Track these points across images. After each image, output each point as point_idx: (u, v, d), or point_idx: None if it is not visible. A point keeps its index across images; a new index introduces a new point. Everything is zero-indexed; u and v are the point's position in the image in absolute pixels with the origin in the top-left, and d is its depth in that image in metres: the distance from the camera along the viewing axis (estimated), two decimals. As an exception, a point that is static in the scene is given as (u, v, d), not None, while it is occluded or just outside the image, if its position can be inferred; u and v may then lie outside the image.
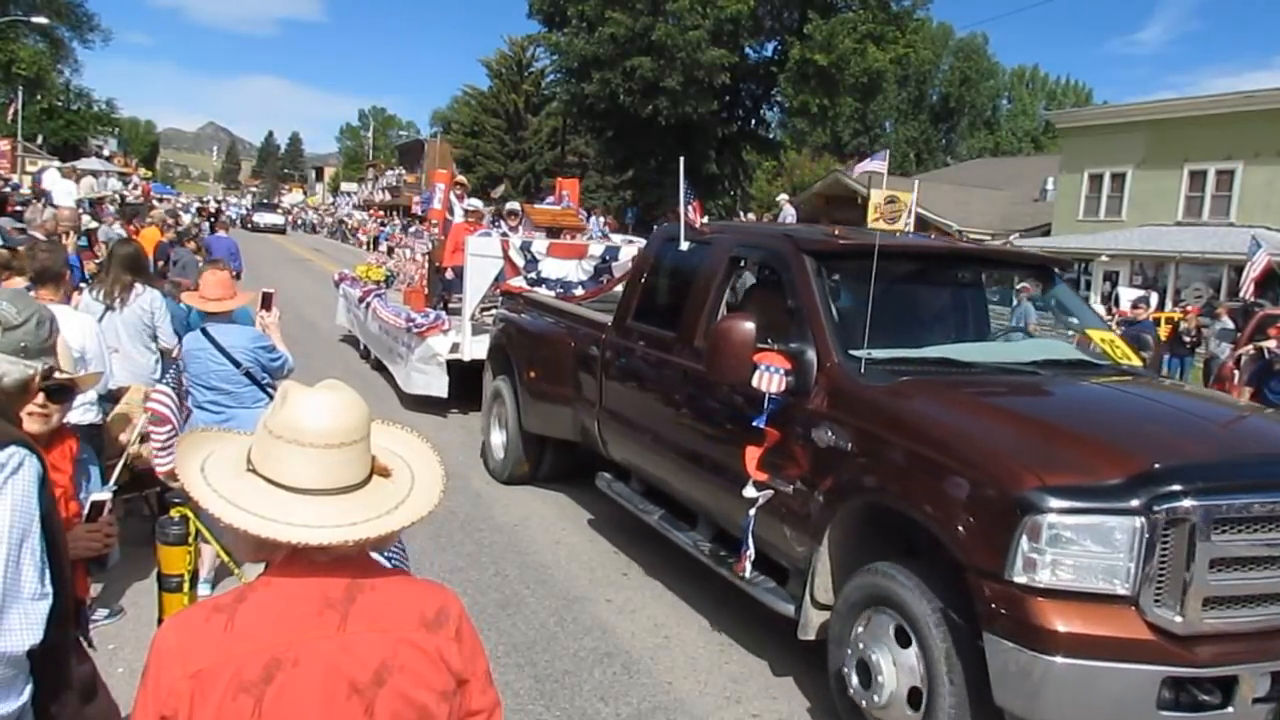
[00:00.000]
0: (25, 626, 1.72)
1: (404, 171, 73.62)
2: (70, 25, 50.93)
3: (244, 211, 54.97)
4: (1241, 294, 17.83)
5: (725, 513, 4.72)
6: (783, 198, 26.70)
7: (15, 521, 1.72)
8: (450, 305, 10.55)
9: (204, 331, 4.68)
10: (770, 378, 4.05)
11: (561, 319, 6.95)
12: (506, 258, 8.63)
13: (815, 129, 36.38)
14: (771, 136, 40.44)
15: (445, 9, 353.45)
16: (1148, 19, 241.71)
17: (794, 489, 4.08)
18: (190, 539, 2.88)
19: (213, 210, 33.80)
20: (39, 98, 48.41)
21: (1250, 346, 9.96)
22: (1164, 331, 15.14)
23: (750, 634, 4.82)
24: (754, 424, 4.14)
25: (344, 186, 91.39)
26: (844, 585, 3.87)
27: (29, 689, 1.79)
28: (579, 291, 8.42)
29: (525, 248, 8.66)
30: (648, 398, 5.60)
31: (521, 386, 6.90)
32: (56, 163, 29.13)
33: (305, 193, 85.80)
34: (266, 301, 5.01)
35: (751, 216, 28.38)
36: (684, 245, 5.53)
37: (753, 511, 4.17)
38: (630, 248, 8.68)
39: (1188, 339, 15.60)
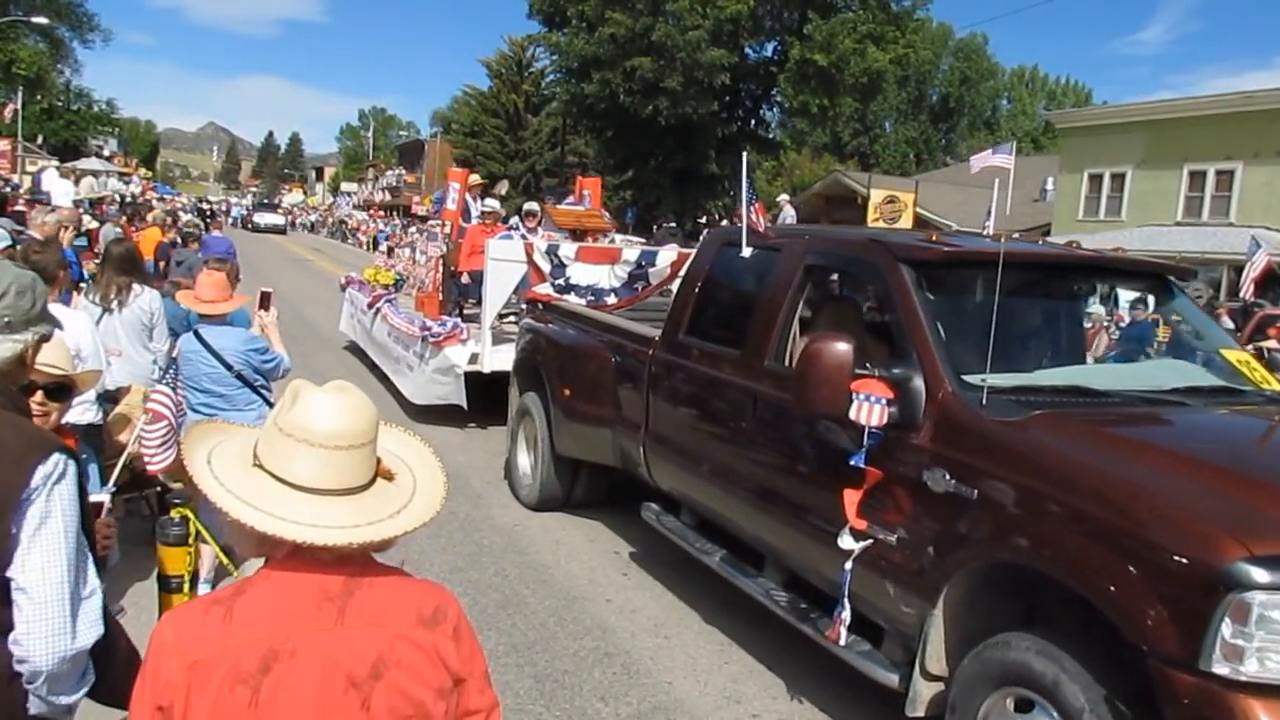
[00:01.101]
0: (90, 624, 1.80)
1: (404, 171, 73.50)
2: (70, 25, 50.72)
3: (244, 211, 55.00)
4: (1241, 294, 17.76)
5: (807, 561, 4.13)
6: (783, 198, 26.59)
7: (69, 526, 1.76)
8: (466, 312, 9.96)
9: (197, 333, 4.68)
10: (871, 409, 3.46)
11: (599, 331, 6.26)
12: (531, 262, 7.93)
13: (815, 129, 36.29)
14: (771, 136, 40.24)
15: (445, 9, 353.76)
16: (1148, 19, 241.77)
17: (899, 540, 3.48)
18: (190, 539, 2.88)
19: (208, 210, 33.92)
20: (39, 98, 48.20)
21: (1250, 347, 9.97)
22: (1164, 332, 15.10)
23: (750, 634, 4.77)
24: (851, 462, 3.52)
25: (344, 186, 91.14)
26: (964, 656, 3.26)
27: (92, 675, 1.86)
28: (611, 300, 7.72)
29: (551, 252, 7.93)
30: (706, 424, 4.97)
31: (554, 405, 6.22)
32: (56, 163, 29.09)
33: (305, 193, 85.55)
34: (265, 301, 4.99)
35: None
36: (746, 251, 4.88)
37: (849, 565, 3.55)
38: (669, 252, 8.01)
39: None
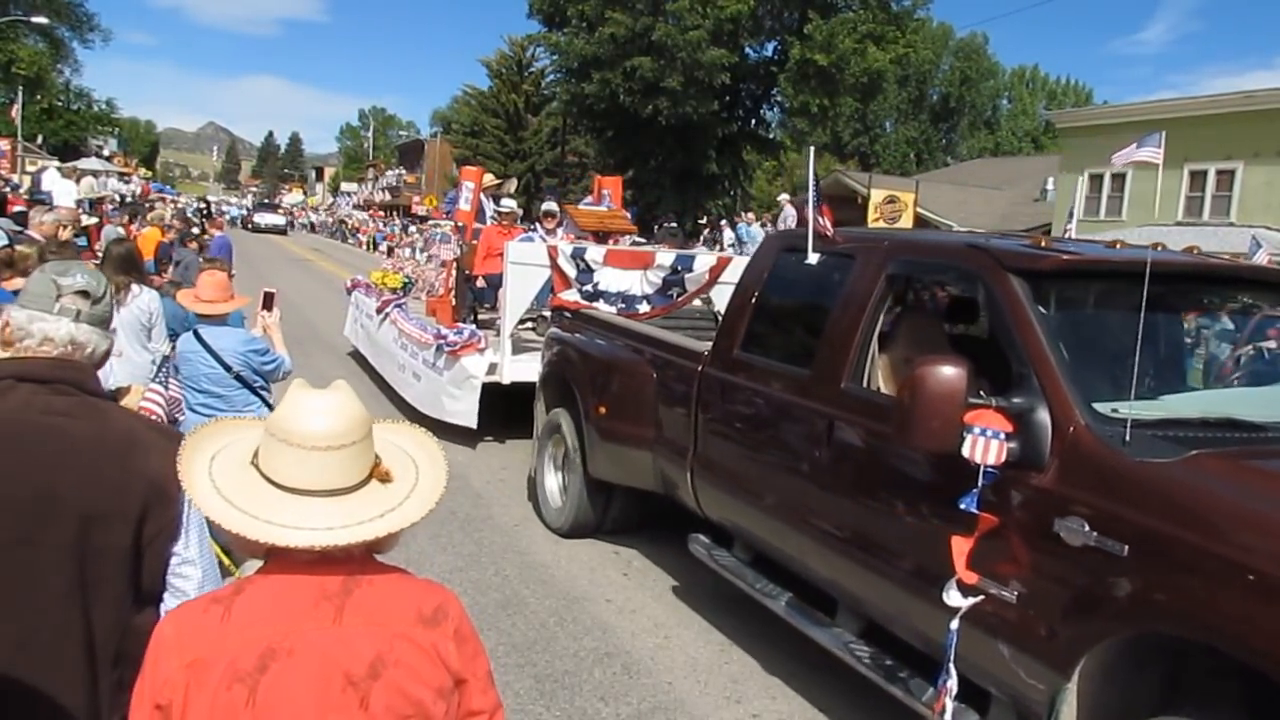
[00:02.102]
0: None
1: (404, 172, 73.45)
2: (70, 25, 50.59)
3: (244, 212, 54.97)
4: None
5: (896, 613, 3.61)
6: (783, 197, 26.55)
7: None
8: (480, 318, 9.42)
9: (196, 334, 4.66)
10: (988, 445, 2.98)
11: (637, 343, 5.73)
12: (555, 267, 7.34)
13: (815, 129, 36.12)
14: (771, 136, 40.12)
15: (445, 9, 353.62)
16: (1148, 19, 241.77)
17: (1020, 598, 2.97)
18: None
19: (206, 210, 33.78)
20: (39, 98, 48.01)
21: (1250, 347, 9.97)
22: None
23: (750, 634, 4.72)
24: (960, 505, 3.02)
25: (344, 186, 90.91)
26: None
27: None
28: (644, 308, 7.19)
29: (578, 255, 7.35)
30: (769, 451, 4.43)
31: (587, 423, 5.69)
32: (56, 163, 29.01)
33: (305, 193, 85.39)
34: (268, 301, 4.99)
35: (751, 216, 28.30)
36: (812, 258, 4.36)
37: (956, 624, 3.04)
38: (706, 258, 7.43)
39: (1188, 339, 15.56)
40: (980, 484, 3.00)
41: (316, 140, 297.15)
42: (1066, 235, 5.65)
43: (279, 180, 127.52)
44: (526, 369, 7.44)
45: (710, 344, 5.07)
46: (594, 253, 7.46)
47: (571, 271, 7.29)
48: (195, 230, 12.56)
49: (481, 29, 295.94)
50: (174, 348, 5.28)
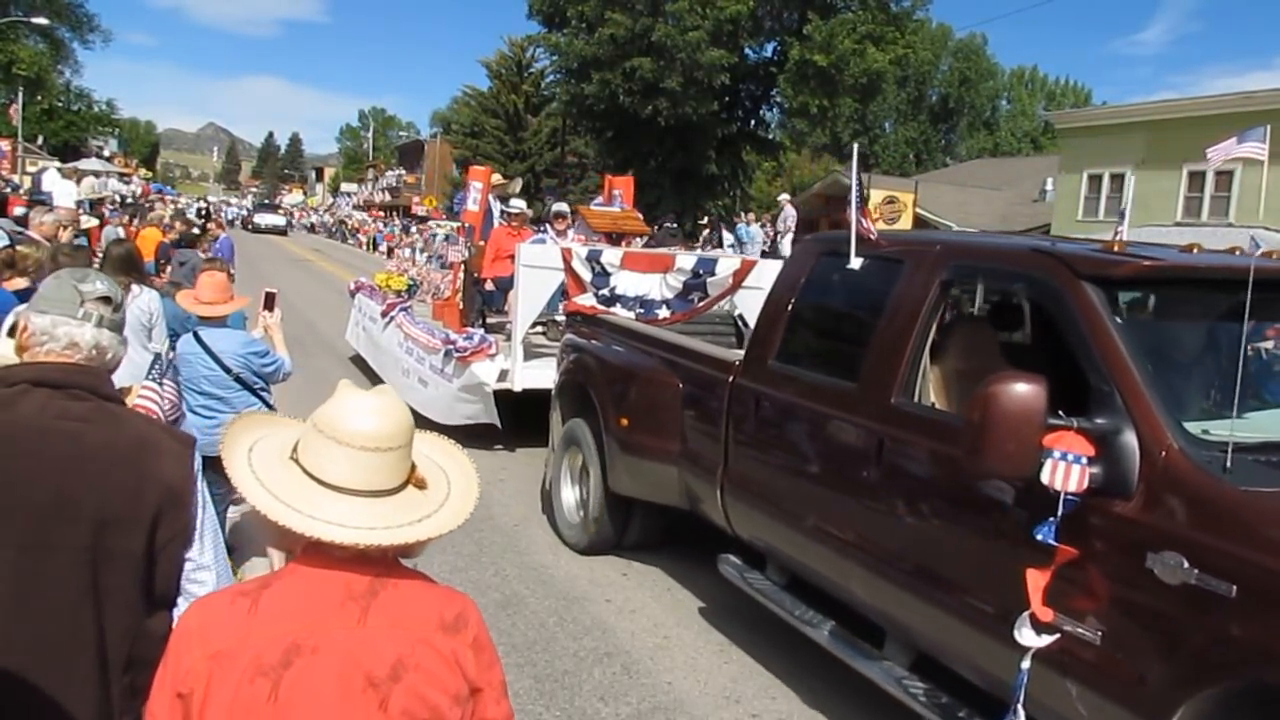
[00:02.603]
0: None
1: (404, 172, 73.46)
2: (70, 26, 50.48)
3: (244, 212, 54.96)
4: (1241, 294, 17.82)
5: (956, 647, 3.34)
6: (783, 197, 26.56)
7: (210, 504, 1.94)
8: (489, 322, 9.13)
9: (196, 335, 4.62)
10: (1069, 471, 2.71)
11: (661, 351, 5.43)
12: (569, 270, 7.03)
13: (815, 129, 36.12)
14: (771, 137, 40.06)
15: (445, 9, 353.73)
16: (1148, 19, 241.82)
17: (1104, 639, 2.69)
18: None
19: (205, 209, 33.58)
20: (39, 98, 47.93)
21: (1249, 348, 9.95)
22: None
23: (750, 634, 4.70)
24: (1036, 536, 2.76)
25: (344, 187, 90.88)
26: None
27: None
28: (663, 313, 6.85)
29: (593, 258, 7.03)
30: (809, 469, 4.13)
31: (608, 436, 5.41)
32: (56, 163, 29.01)
33: (305, 193, 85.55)
34: (269, 302, 4.98)
35: (751, 216, 28.31)
36: (855, 263, 4.06)
37: (1027, 663, 2.78)
38: (730, 261, 7.14)
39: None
40: (1059, 513, 2.73)
41: (316, 141, 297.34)
42: (1118, 236, 5.25)
43: (279, 181, 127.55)
44: (539, 375, 7.21)
45: (741, 353, 4.77)
46: (610, 255, 7.12)
47: (586, 275, 6.98)
48: (196, 231, 12.51)
49: (481, 29, 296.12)
50: (173, 348, 5.29)
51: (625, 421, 5.32)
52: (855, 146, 4.68)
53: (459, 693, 1.46)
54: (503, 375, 7.49)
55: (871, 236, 4.11)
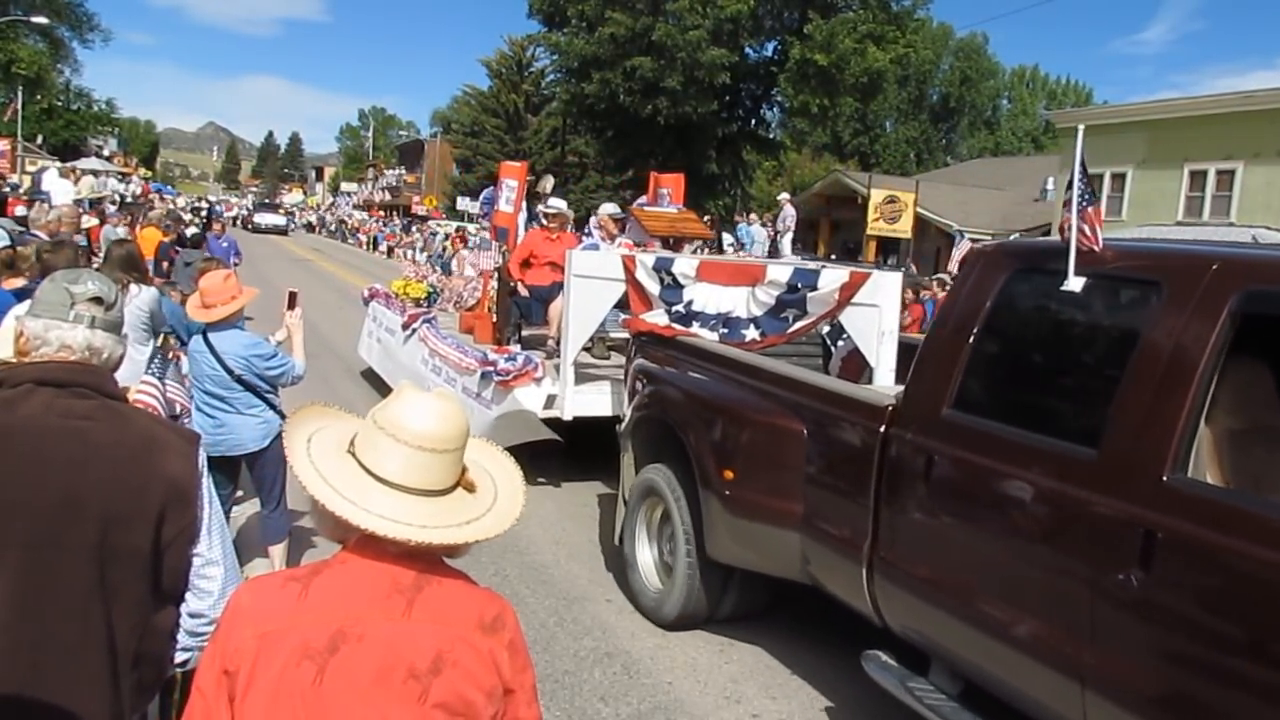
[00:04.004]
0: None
1: (404, 172, 73.54)
2: (70, 25, 50.51)
3: (244, 212, 54.87)
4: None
5: None
6: (784, 197, 26.60)
7: (215, 500, 1.96)
8: (525, 335, 8.22)
9: (204, 335, 4.69)
10: None
11: (778, 388, 4.34)
12: (632, 281, 6.00)
13: (815, 129, 36.21)
14: (771, 136, 40.09)
15: (445, 9, 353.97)
16: (1149, 19, 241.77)
17: None
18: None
19: (205, 210, 33.45)
20: (39, 98, 47.94)
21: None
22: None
23: (750, 634, 4.71)
24: None
25: (344, 186, 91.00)
26: None
27: None
28: (751, 335, 5.82)
29: (662, 268, 5.95)
30: (1013, 557, 3.14)
31: (706, 490, 4.44)
32: (56, 163, 29.02)
33: (305, 193, 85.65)
34: (291, 301, 5.00)
35: (754, 216, 28.32)
36: (1073, 283, 3.17)
37: None
38: (835, 272, 5.97)
39: None
40: None
41: (316, 140, 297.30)
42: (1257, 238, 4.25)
43: (279, 180, 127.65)
44: (592, 402, 6.45)
45: (892, 393, 3.90)
46: (684, 265, 6.01)
47: (654, 288, 5.94)
48: (188, 230, 12.43)
49: (481, 29, 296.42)
50: (184, 345, 5.28)
51: (730, 473, 4.34)
52: (1079, 139, 3.36)
53: (494, 691, 1.50)
54: (550, 401, 6.60)
55: (1096, 248, 3.18)
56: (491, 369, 6.84)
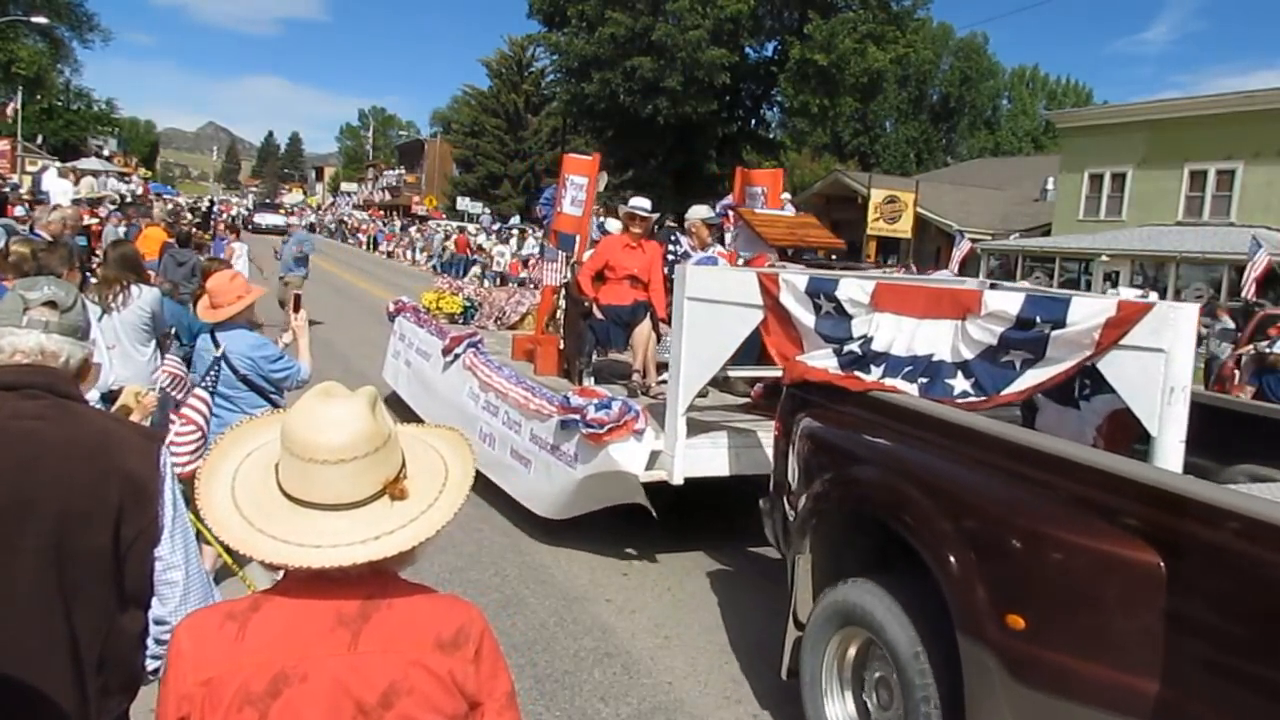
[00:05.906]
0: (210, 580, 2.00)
1: (404, 171, 73.62)
2: (70, 25, 50.51)
3: (244, 212, 54.92)
4: (1244, 294, 17.82)
5: None
6: (783, 196, 26.69)
7: (180, 503, 1.91)
8: (595, 363, 6.80)
9: (212, 334, 4.72)
10: None
11: (1093, 488, 2.60)
12: (775, 308, 4.43)
13: (815, 129, 36.24)
14: (771, 136, 40.21)
15: (445, 9, 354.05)
16: (1149, 19, 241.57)
17: None
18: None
19: (205, 210, 33.37)
20: (39, 98, 48.00)
21: (1250, 346, 9.95)
22: None
23: (750, 634, 4.70)
24: None
25: (344, 186, 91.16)
26: None
27: None
28: (961, 387, 3.78)
29: (819, 292, 4.27)
30: None
31: (972, 640, 2.80)
32: (56, 163, 29.06)
33: (305, 193, 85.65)
34: (296, 303, 5.01)
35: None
36: None
37: None
38: (1094, 303, 3.55)
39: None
40: None
41: (316, 140, 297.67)
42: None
43: (279, 180, 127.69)
44: (708, 460, 5.10)
45: None
46: (851, 288, 4.21)
47: (807, 318, 4.32)
48: (186, 229, 12.40)
49: (481, 29, 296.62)
50: (183, 345, 5.30)
51: (1020, 622, 2.75)
52: None
53: (455, 712, 1.43)
54: (653, 459, 5.13)
55: None
56: (578, 417, 5.29)
